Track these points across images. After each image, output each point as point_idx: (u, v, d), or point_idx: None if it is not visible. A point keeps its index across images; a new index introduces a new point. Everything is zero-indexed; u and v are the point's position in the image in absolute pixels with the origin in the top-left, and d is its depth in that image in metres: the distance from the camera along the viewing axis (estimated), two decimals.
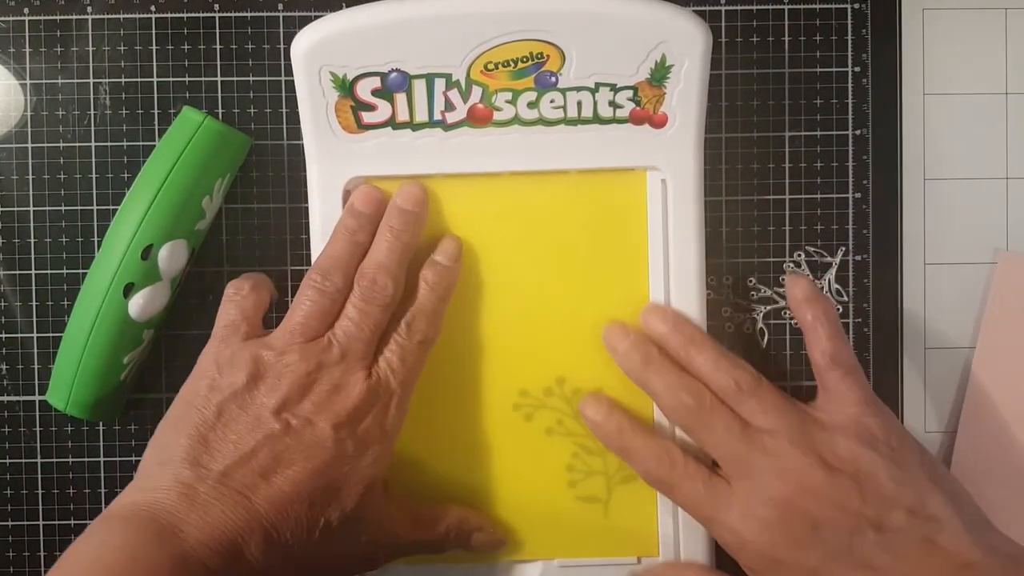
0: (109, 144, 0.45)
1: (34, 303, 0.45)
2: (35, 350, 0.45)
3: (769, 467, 0.38)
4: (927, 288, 0.46)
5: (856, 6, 0.45)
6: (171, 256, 0.41)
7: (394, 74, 0.40)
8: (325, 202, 0.41)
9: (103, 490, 0.45)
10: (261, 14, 0.45)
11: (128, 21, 0.45)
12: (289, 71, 0.41)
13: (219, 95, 0.45)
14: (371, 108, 0.40)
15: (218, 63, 0.45)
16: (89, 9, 0.45)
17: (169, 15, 0.45)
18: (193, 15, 0.45)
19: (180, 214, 0.41)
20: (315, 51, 0.39)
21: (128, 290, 0.41)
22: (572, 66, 0.40)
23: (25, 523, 0.45)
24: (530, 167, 0.41)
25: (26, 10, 0.45)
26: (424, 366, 0.40)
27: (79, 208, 0.45)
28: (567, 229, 0.42)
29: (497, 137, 0.41)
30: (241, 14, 0.45)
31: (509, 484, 0.43)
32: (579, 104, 0.40)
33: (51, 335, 0.45)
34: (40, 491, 0.45)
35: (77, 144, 0.45)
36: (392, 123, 0.41)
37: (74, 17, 0.45)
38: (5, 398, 0.45)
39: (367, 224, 0.40)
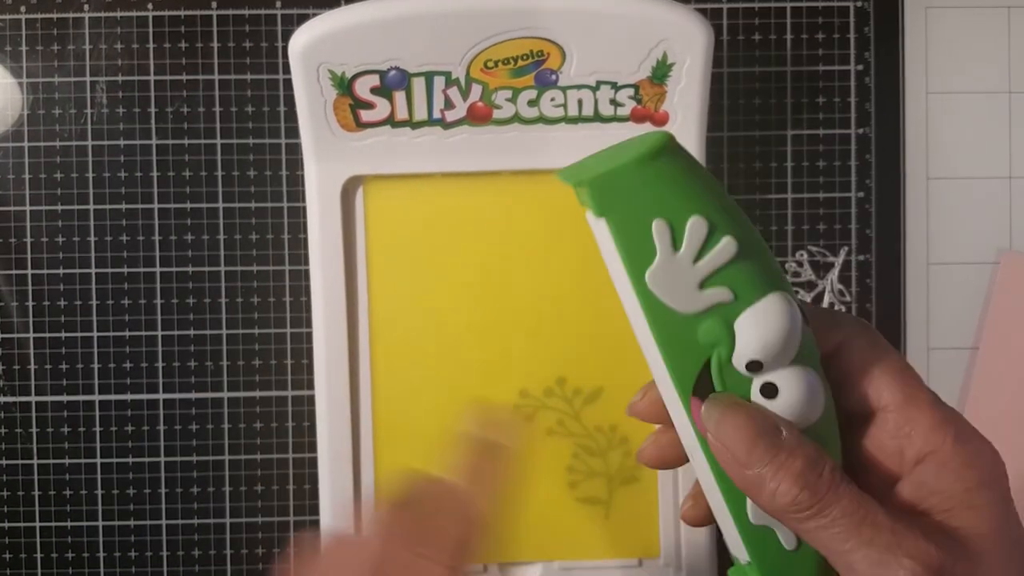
0: (106, 143, 0.44)
1: (30, 303, 0.45)
2: (31, 350, 0.45)
3: None
4: (930, 288, 0.46)
5: (858, 4, 0.45)
6: None
7: (393, 72, 0.39)
8: (323, 201, 0.41)
9: (100, 492, 0.45)
10: (259, 12, 0.44)
11: (125, 19, 0.44)
12: (287, 69, 0.41)
13: (216, 93, 0.44)
14: (370, 106, 0.40)
15: (216, 61, 0.44)
16: (86, 7, 0.44)
17: (166, 13, 0.44)
18: (191, 13, 0.44)
19: None
20: (313, 49, 0.39)
21: None
22: (573, 64, 0.40)
23: (22, 524, 0.45)
24: (530, 166, 0.41)
25: (23, 8, 0.44)
26: (424, 367, 0.40)
27: (75, 207, 0.44)
28: (567, 228, 0.42)
29: (497, 135, 0.41)
30: (239, 12, 0.44)
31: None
32: (580, 102, 0.40)
33: (47, 335, 0.45)
34: (37, 492, 0.45)
35: (74, 143, 0.44)
36: (391, 121, 0.40)
37: (71, 15, 0.44)
38: (1, 399, 0.45)
39: None
